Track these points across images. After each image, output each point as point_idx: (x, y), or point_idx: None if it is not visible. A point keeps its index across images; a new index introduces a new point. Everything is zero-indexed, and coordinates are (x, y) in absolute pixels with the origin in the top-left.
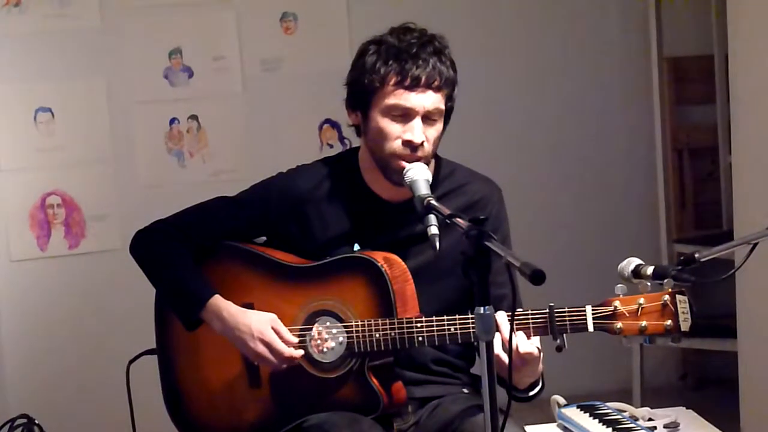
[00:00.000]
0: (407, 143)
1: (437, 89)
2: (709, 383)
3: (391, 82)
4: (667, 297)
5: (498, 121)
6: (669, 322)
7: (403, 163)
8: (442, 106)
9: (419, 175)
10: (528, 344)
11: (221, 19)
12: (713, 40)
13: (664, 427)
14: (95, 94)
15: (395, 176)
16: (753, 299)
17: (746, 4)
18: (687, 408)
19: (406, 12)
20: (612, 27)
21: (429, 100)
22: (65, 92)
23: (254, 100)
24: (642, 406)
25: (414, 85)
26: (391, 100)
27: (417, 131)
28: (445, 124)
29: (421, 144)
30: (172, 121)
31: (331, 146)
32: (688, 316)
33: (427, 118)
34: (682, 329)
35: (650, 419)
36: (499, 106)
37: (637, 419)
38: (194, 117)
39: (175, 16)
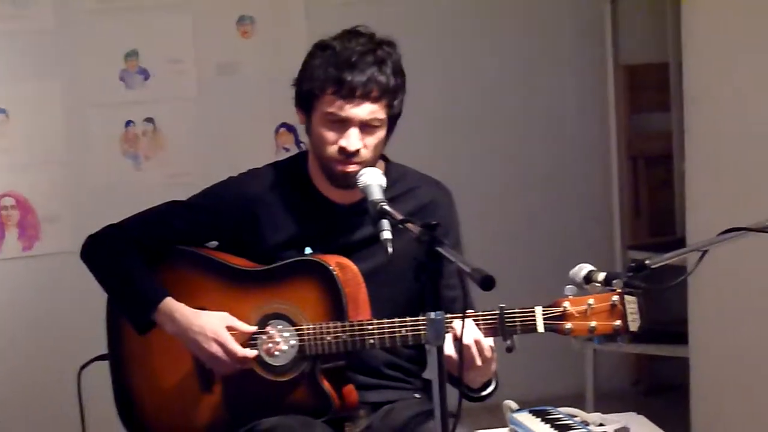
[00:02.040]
0: (342, 150)
1: (375, 100)
2: (661, 389)
3: (329, 91)
4: (616, 298)
5: (453, 127)
6: (618, 322)
7: (342, 167)
8: (381, 115)
9: (373, 180)
10: (481, 335)
11: (178, 21)
12: (668, 47)
13: None
14: (50, 95)
15: (333, 180)
16: (704, 306)
17: (700, 13)
18: (639, 413)
19: (364, 16)
20: (567, 34)
21: (365, 110)
22: (20, 93)
23: (211, 104)
24: (594, 412)
25: (350, 96)
26: (327, 108)
27: (352, 139)
28: (391, 129)
29: (357, 152)
30: (128, 123)
31: (287, 150)
32: (637, 316)
33: (366, 125)
34: (631, 329)
35: (601, 424)
36: (454, 112)
37: (588, 424)
38: (150, 120)
39: (131, 19)
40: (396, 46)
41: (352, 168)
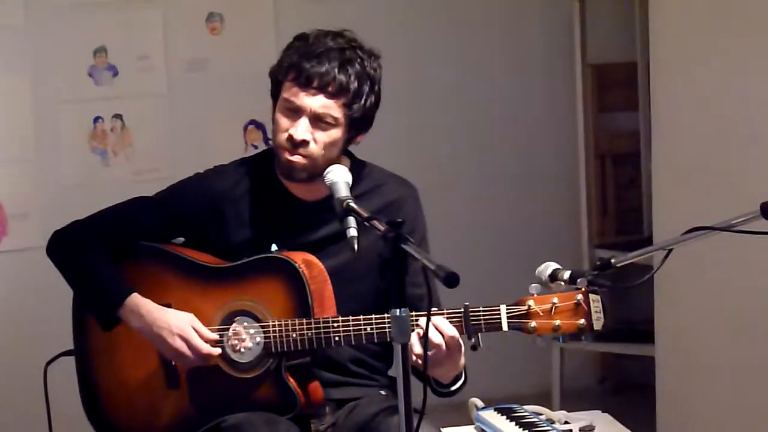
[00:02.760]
0: (289, 138)
1: (330, 95)
2: (627, 387)
3: (289, 77)
4: (580, 296)
5: (420, 125)
6: (582, 321)
7: (286, 156)
8: (336, 114)
9: (339, 177)
10: (451, 328)
11: (147, 18)
12: (636, 47)
13: (580, 430)
14: (18, 91)
15: (281, 170)
16: (670, 305)
17: (668, 12)
18: (604, 412)
19: (333, 14)
20: (536, 33)
21: (318, 102)
22: None
23: (179, 100)
24: (560, 410)
25: (306, 85)
26: (285, 94)
27: (300, 129)
28: (352, 133)
29: (302, 142)
30: (96, 119)
31: (256, 147)
32: (601, 315)
33: (318, 120)
34: (595, 328)
35: (566, 422)
36: (421, 111)
37: (553, 422)
38: (118, 116)
39: (100, 15)
40: (378, 59)
41: (296, 159)
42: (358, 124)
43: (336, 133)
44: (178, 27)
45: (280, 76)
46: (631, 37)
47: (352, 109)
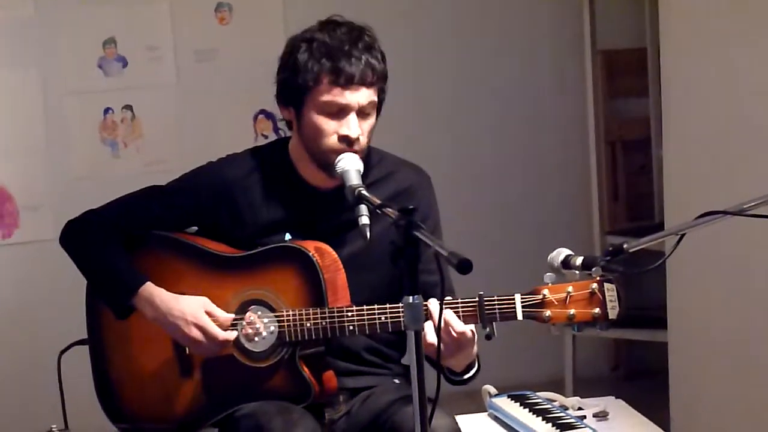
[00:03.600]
0: (344, 138)
1: (370, 85)
2: (640, 374)
3: (325, 81)
4: (595, 285)
5: (431, 112)
6: (597, 310)
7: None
8: (375, 99)
9: (351, 165)
10: (461, 325)
11: (155, 8)
12: (646, 33)
13: (594, 416)
14: (29, 83)
15: (328, 170)
16: (683, 290)
17: None
18: (617, 398)
19: (342, 2)
20: (545, 19)
21: (363, 96)
22: None
23: (189, 91)
24: (573, 396)
25: (348, 83)
26: (325, 98)
27: (353, 126)
28: (378, 114)
29: (357, 138)
30: (106, 110)
31: (266, 137)
32: (616, 304)
33: (362, 112)
34: (610, 317)
35: (580, 408)
36: (432, 97)
37: (567, 408)
38: (128, 107)
39: (109, 6)
40: (374, 31)
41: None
42: (382, 103)
43: (373, 119)
44: (186, 17)
45: (310, 82)
46: (641, 23)
47: (384, 91)
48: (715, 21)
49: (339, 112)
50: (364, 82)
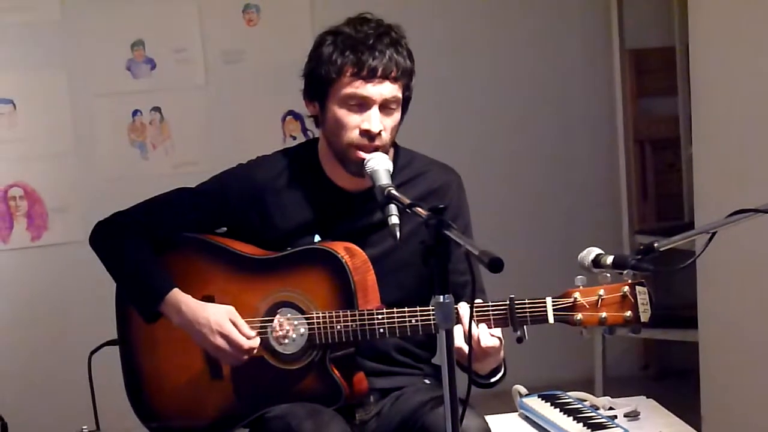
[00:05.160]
0: (365, 133)
1: (394, 80)
2: (671, 373)
3: (348, 73)
4: (626, 288)
5: (460, 112)
6: (629, 313)
7: (362, 154)
8: (399, 96)
9: (380, 165)
10: (489, 338)
11: (183, 10)
12: (675, 31)
13: (625, 416)
14: (57, 85)
15: (353, 167)
16: (713, 290)
17: None
18: (648, 398)
19: (370, 3)
20: (574, 19)
21: (386, 89)
22: (27, 84)
23: (217, 92)
24: (604, 396)
25: (371, 76)
26: (348, 90)
27: (375, 120)
28: (404, 112)
29: (379, 133)
30: (135, 113)
31: (294, 138)
32: (648, 306)
33: (385, 107)
34: (642, 320)
35: (611, 408)
36: (461, 98)
37: (597, 408)
38: (157, 109)
39: (137, 8)
40: (403, 30)
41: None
42: (408, 102)
43: (398, 116)
44: (214, 19)
45: (333, 74)
46: (669, 22)
47: (409, 88)
48: (744, 19)
49: (361, 105)
50: (387, 76)
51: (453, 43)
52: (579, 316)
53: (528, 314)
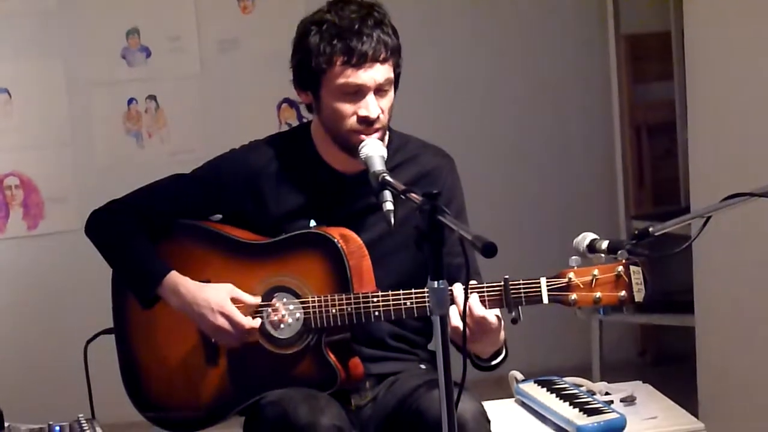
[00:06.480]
0: (363, 119)
1: (384, 61)
2: (667, 359)
3: (339, 62)
4: (620, 268)
5: (455, 98)
6: (623, 293)
7: (363, 137)
8: (392, 75)
9: (374, 151)
10: (481, 309)
11: None
12: (670, 17)
13: (621, 401)
14: (52, 74)
15: (351, 152)
16: (709, 274)
17: None
18: (644, 383)
19: None
20: (569, 4)
21: (379, 73)
22: (22, 73)
23: (212, 80)
24: (600, 382)
25: (362, 62)
26: (341, 80)
27: (372, 106)
28: (396, 88)
29: (377, 117)
30: (130, 101)
31: (290, 125)
32: (642, 287)
33: (379, 89)
34: (636, 300)
35: (607, 393)
36: (456, 84)
37: (594, 393)
38: (152, 97)
39: None
40: (384, 7)
41: (374, 136)
42: (399, 77)
43: (392, 95)
44: (209, 7)
45: (323, 65)
46: (665, 7)
47: (399, 65)
48: (738, 3)
49: (356, 92)
50: (377, 59)
51: (447, 29)
52: (573, 296)
53: (522, 294)
